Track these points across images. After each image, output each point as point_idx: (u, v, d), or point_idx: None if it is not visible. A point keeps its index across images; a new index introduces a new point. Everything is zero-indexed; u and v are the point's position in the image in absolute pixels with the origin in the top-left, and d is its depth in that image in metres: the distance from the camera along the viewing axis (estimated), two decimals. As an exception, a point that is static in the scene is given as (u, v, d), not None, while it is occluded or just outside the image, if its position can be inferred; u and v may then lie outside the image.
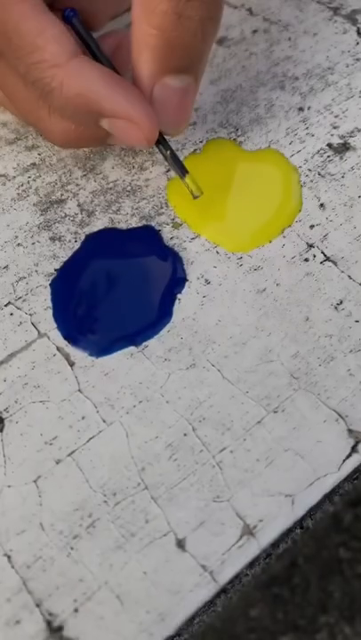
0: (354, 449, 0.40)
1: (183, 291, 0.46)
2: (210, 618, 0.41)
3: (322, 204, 0.50)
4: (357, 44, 0.60)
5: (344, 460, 0.40)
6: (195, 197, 0.47)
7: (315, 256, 0.48)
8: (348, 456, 0.40)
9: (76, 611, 0.36)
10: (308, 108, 0.55)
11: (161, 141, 0.46)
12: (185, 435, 0.41)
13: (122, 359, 0.43)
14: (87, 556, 0.37)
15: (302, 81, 0.57)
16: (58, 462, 0.40)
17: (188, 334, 0.44)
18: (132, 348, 0.44)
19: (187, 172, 0.47)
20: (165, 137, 0.47)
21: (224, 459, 0.40)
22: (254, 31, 0.61)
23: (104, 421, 0.41)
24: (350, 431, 0.41)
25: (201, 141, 0.54)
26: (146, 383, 0.42)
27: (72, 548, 0.38)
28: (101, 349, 0.44)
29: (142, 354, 0.44)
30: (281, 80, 0.57)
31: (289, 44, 0.60)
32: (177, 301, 0.46)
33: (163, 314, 0.45)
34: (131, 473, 0.40)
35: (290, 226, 0.49)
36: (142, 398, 0.42)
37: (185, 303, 0.46)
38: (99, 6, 0.47)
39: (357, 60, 0.59)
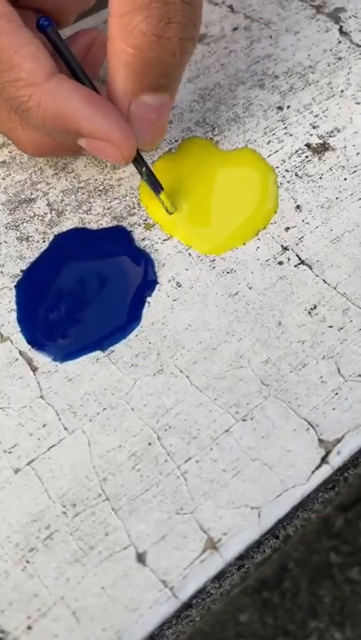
0: (324, 460, 0.39)
1: (153, 294, 0.45)
2: (187, 627, 0.40)
3: (298, 206, 0.49)
4: (339, 42, 0.58)
5: (313, 471, 0.39)
6: (169, 214, 0.47)
7: (289, 259, 0.46)
8: (318, 467, 0.39)
9: (29, 628, 0.35)
10: (288, 107, 0.54)
11: (137, 157, 0.45)
12: (149, 444, 0.39)
13: (87, 364, 0.42)
14: (43, 569, 0.36)
15: (282, 79, 0.56)
16: (16, 471, 0.39)
17: (156, 339, 0.43)
18: (97, 353, 0.42)
19: (161, 188, 0.47)
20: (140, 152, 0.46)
21: (189, 469, 0.39)
22: (235, 28, 0.60)
23: (66, 429, 0.40)
24: (321, 441, 0.39)
25: (176, 140, 0.53)
26: (111, 389, 0.41)
27: (28, 562, 0.36)
28: (66, 354, 0.42)
29: (108, 359, 0.42)
30: (261, 78, 0.56)
31: (270, 42, 0.59)
32: (146, 305, 0.44)
33: (131, 317, 0.44)
34: (92, 483, 0.38)
35: (265, 228, 0.48)
36: (107, 405, 0.41)
37: (155, 307, 0.44)
38: (66, 3, 0.46)
39: (339, 58, 0.57)
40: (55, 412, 0.40)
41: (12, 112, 0.41)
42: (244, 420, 0.40)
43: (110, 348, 0.42)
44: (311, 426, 0.40)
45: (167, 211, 0.47)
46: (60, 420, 0.40)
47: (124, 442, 0.39)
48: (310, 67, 0.57)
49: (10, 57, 0.36)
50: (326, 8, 0.61)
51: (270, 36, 0.59)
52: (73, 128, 0.38)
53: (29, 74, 0.37)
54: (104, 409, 0.40)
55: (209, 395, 0.41)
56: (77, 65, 0.44)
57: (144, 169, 0.45)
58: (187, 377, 0.41)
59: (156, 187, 0.47)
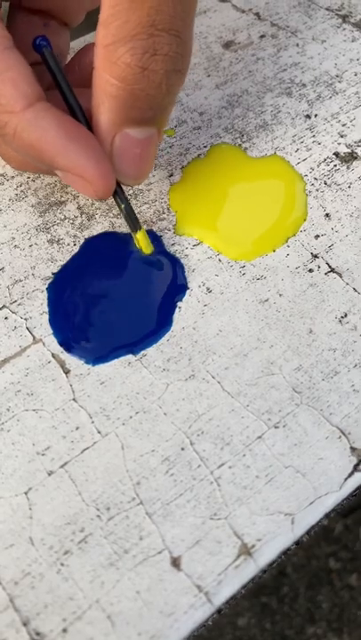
0: (356, 468, 0.39)
1: (184, 299, 0.45)
2: (198, 632, 0.40)
3: (327, 214, 0.49)
4: (366, 52, 0.59)
5: (346, 479, 0.39)
6: (144, 254, 0.46)
7: (319, 267, 0.46)
8: (350, 475, 0.39)
9: (64, 631, 0.35)
10: (315, 116, 0.54)
11: (118, 192, 0.42)
12: (182, 449, 0.39)
13: (119, 368, 0.42)
14: (78, 572, 0.36)
15: (310, 88, 0.56)
16: (50, 474, 0.39)
17: (187, 344, 0.43)
18: (129, 357, 0.43)
19: (140, 227, 0.45)
20: (124, 186, 0.45)
21: (222, 474, 0.39)
22: (262, 36, 0.60)
23: (99, 432, 0.40)
24: (353, 449, 0.40)
25: (205, 146, 0.53)
26: (143, 393, 0.41)
27: (62, 565, 0.36)
28: (98, 357, 0.42)
29: (140, 363, 0.42)
30: (288, 86, 0.56)
31: (297, 50, 0.59)
32: (177, 309, 0.44)
33: (162, 322, 0.44)
34: (125, 487, 0.38)
35: (294, 235, 0.48)
36: (139, 409, 0.41)
37: (185, 312, 0.45)
38: (73, 2, 0.45)
39: (366, 68, 0.58)
40: (88, 415, 0.40)
41: None
42: (276, 427, 0.40)
43: (142, 352, 0.43)
44: (343, 434, 0.40)
45: (142, 251, 0.46)
46: (93, 422, 0.40)
47: (157, 446, 0.39)
48: (337, 76, 0.57)
49: None
50: (352, 18, 0.62)
51: (297, 45, 0.59)
52: (47, 161, 0.37)
53: (8, 101, 0.35)
54: (137, 413, 0.40)
55: (241, 401, 0.41)
56: (69, 90, 0.41)
57: (123, 206, 0.43)
58: (218, 383, 0.42)
59: (135, 225, 0.45)
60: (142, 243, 0.46)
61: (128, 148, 0.38)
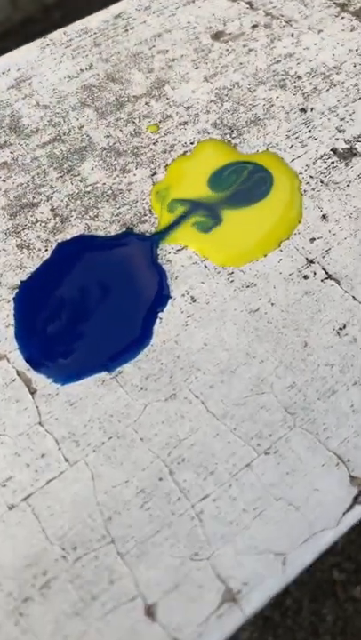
0: (356, 499, 0.35)
1: (166, 309, 0.41)
2: None
3: (324, 216, 0.45)
4: (366, 41, 0.55)
5: (344, 513, 0.34)
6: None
7: (315, 273, 0.42)
8: (350, 508, 0.34)
9: None
10: (312, 110, 0.50)
11: None
12: (160, 479, 0.35)
13: (91, 387, 0.38)
14: (38, 623, 0.32)
15: (305, 80, 0.52)
16: (11, 508, 0.34)
17: (169, 359, 0.39)
18: (103, 375, 0.38)
19: None
20: None
21: (205, 508, 0.34)
22: (254, 26, 0.56)
23: (67, 460, 0.36)
24: (352, 478, 0.35)
25: (192, 142, 0.49)
26: (117, 416, 0.37)
27: (21, 614, 0.32)
28: (68, 375, 0.38)
29: (115, 381, 0.38)
30: (282, 78, 0.52)
31: (291, 41, 0.55)
32: (158, 321, 0.40)
33: (141, 335, 0.40)
34: (95, 523, 0.34)
35: (288, 238, 0.44)
36: (112, 434, 0.36)
37: (167, 323, 0.40)
38: None
39: (366, 58, 0.54)
40: (55, 441, 0.36)
41: None
42: (266, 454, 0.36)
43: (117, 369, 0.38)
44: (341, 460, 0.36)
45: None
46: (60, 449, 0.36)
47: (132, 476, 0.35)
48: (335, 67, 0.53)
49: None
50: (351, 6, 0.57)
51: (292, 35, 0.55)
52: None
53: None
54: (110, 438, 0.36)
55: (227, 424, 0.37)
56: None
57: None
58: (202, 403, 0.37)
59: None
60: None
61: None
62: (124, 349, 0.39)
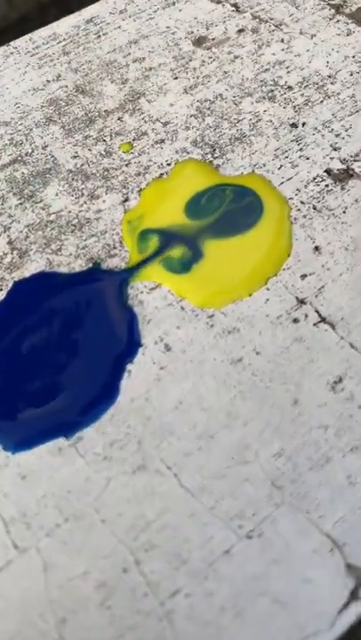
0: (353, 594, 0.29)
1: (135, 359, 0.36)
2: None
3: (317, 248, 0.39)
4: (364, 47, 0.49)
5: (340, 611, 0.29)
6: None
7: (307, 316, 0.37)
8: (346, 605, 0.29)
9: None
10: (303, 125, 0.45)
11: None
12: (124, 570, 0.30)
13: (46, 457, 0.33)
14: None
15: (297, 91, 0.47)
16: None
17: (137, 421, 0.34)
18: (60, 441, 0.33)
19: None
20: None
21: (177, 606, 0.29)
22: (240, 30, 0.51)
23: (15, 547, 0.30)
24: (349, 567, 0.30)
25: (168, 164, 0.43)
26: (76, 492, 0.32)
27: None
28: (20, 442, 0.33)
29: (74, 449, 0.33)
30: (271, 89, 0.47)
31: (282, 47, 0.50)
32: (126, 374, 0.35)
33: (106, 392, 0.34)
34: (47, 625, 0.29)
35: (276, 275, 0.39)
36: (69, 514, 0.31)
37: (137, 377, 0.35)
38: None
39: (364, 66, 0.48)
40: (3, 522, 0.31)
41: None
42: (249, 538, 0.31)
43: (77, 435, 0.33)
44: (336, 545, 0.30)
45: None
46: (8, 532, 0.31)
47: (92, 566, 0.30)
48: (330, 76, 0.48)
49: None
50: (347, 8, 0.52)
51: (282, 40, 0.50)
52: None
53: None
54: (66, 519, 0.31)
55: (204, 501, 0.31)
56: None
57: None
58: (175, 475, 0.32)
59: None
60: None
61: None
62: (84, 410, 0.34)
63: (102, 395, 0.34)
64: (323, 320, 0.37)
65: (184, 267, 0.38)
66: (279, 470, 0.32)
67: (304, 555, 0.30)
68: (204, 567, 0.30)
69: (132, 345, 0.36)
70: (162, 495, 0.31)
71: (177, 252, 0.39)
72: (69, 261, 0.39)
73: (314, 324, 0.37)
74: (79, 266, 0.39)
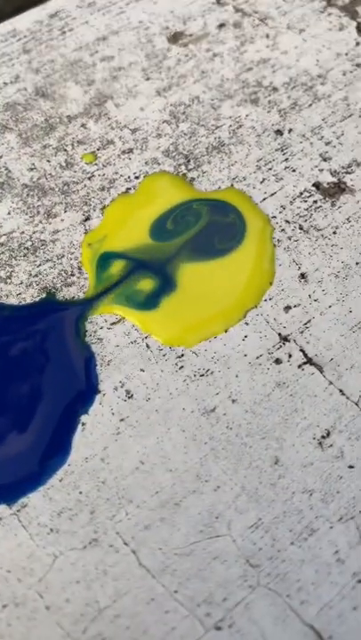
0: None
1: (91, 409, 0.31)
2: None
3: (303, 275, 0.35)
4: (358, 44, 0.44)
5: None
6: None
7: (290, 356, 0.32)
8: None
9: None
10: (290, 131, 0.40)
11: None
12: (70, 671, 0.25)
13: (-17, 529, 0.28)
14: None
15: (283, 93, 0.42)
16: None
17: (90, 486, 0.29)
18: (1, 508, 0.28)
19: None
20: None
21: None
22: (221, 25, 0.46)
23: None
24: (338, 665, 0.26)
25: (137, 177, 0.38)
26: (17, 572, 0.27)
27: None
28: None
29: (16, 519, 0.28)
30: (254, 91, 0.42)
31: (266, 43, 0.45)
32: (80, 428, 0.30)
33: (55, 450, 0.30)
34: None
35: (256, 307, 0.34)
36: (8, 599, 0.27)
37: (92, 431, 0.30)
38: None
39: (358, 65, 0.43)
40: None
41: None
42: (218, 629, 0.26)
43: (20, 501, 0.28)
44: (321, 638, 0.26)
45: None
46: None
47: (31, 667, 0.25)
48: (320, 76, 0.43)
49: None
50: (340, 0, 0.47)
51: (267, 36, 0.45)
52: None
53: None
54: (4, 606, 0.26)
55: (166, 583, 0.27)
56: None
57: None
58: (133, 552, 0.27)
59: None
60: None
61: None
62: (29, 471, 0.29)
63: (51, 453, 0.29)
64: (309, 361, 0.32)
65: (151, 302, 0.33)
66: (255, 545, 0.27)
67: (283, 651, 0.26)
68: (164, 667, 0.25)
69: (87, 391, 0.31)
70: (117, 576, 0.27)
71: (143, 284, 0.34)
72: (20, 291, 0.34)
73: (298, 366, 0.32)
74: (30, 296, 0.34)
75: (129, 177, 0.39)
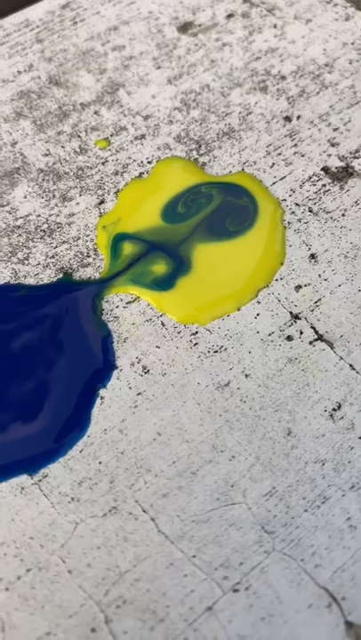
0: (356, 658, 0.26)
1: (109, 384, 0.32)
2: None
3: (313, 255, 0.36)
4: (364, 33, 0.45)
5: None
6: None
7: (301, 333, 0.33)
8: (348, 672, 0.26)
9: None
10: (298, 118, 0.41)
11: None
12: (93, 630, 0.26)
13: (6, 496, 0.29)
14: None
15: (291, 81, 0.43)
16: None
17: (110, 456, 0.30)
18: (23, 479, 0.29)
19: None
20: None
21: (151, 675, 0.26)
22: (230, 15, 0.47)
23: (-32, 605, 0.27)
24: (349, 625, 0.26)
25: (150, 161, 0.39)
26: (39, 539, 0.28)
27: None
28: (-23, 480, 0.29)
29: (38, 488, 0.29)
30: (262, 79, 0.43)
31: (274, 33, 0.46)
32: (98, 401, 0.31)
33: (75, 422, 0.30)
34: None
35: (267, 286, 0.35)
36: (32, 564, 0.27)
37: (110, 404, 0.31)
38: None
39: (364, 54, 0.44)
40: None
41: None
42: (235, 591, 0.27)
43: (42, 471, 0.29)
44: (334, 600, 0.27)
45: None
46: None
47: (55, 626, 0.26)
48: (327, 65, 0.44)
49: None
50: (346, -10, 0.48)
51: (275, 26, 0.46)
52: None
53: None
54: (28, 570, 0.27)
55: (184, 549, 0.28)
56: None
57: None
58: (152, 519, 0.28)
59: None
60: None
61: None
62: (50, 442, 0.30)
63: (71, 425, 0.30)
64: (320, 338, 0.33)
65: (166, 283, 0.34)
66: (270, 512, 0.28)
67: (297, 610, 0.26)
68: (183, 626, 0.26)
69: (105, 367, 0.32)
70: (136, 542, 0.28)
71: (158, 264, 0.35)
72: (37, 272, 0.35)
73: (310, 343, 0.33)
74: (48, 277, 0.35)
75: (142, 162, 0.39)
